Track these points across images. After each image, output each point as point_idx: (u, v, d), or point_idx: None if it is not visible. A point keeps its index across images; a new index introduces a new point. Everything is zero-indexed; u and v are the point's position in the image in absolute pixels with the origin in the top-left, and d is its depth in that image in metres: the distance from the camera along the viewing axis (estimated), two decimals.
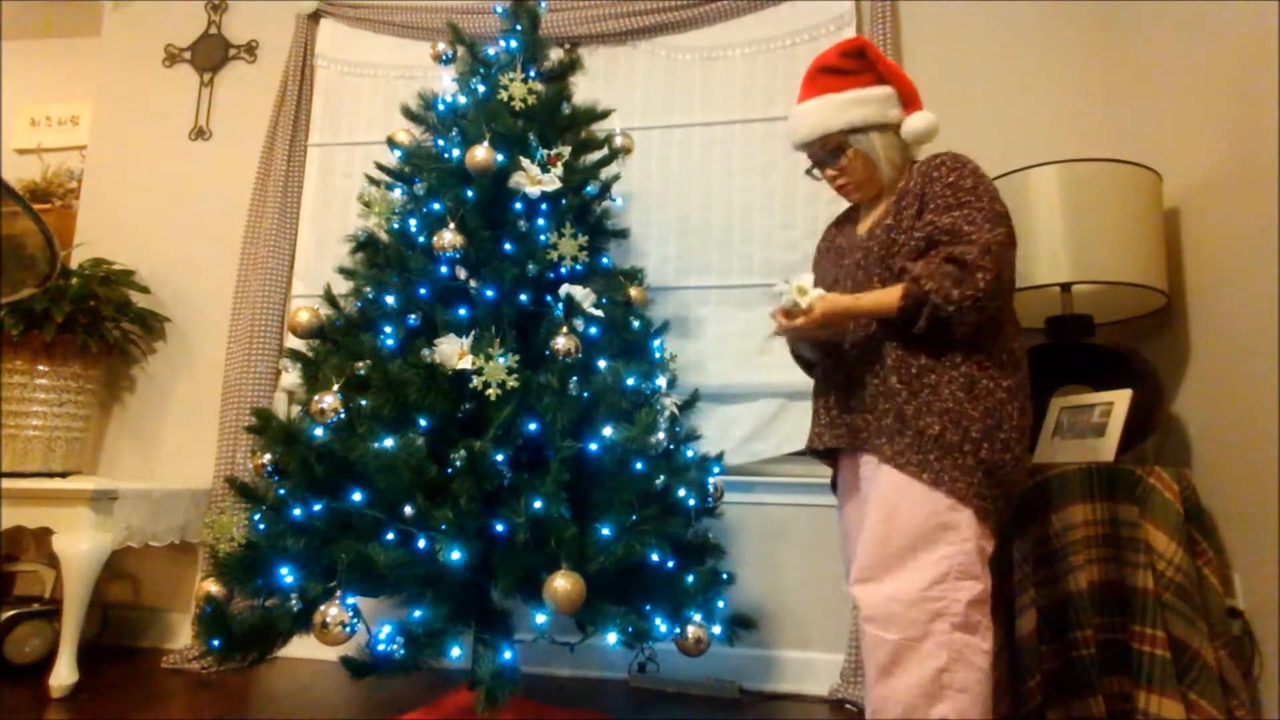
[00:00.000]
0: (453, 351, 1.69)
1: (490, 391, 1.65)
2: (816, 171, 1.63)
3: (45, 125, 3.53)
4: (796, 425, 2.49)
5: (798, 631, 2.41)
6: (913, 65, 2.60)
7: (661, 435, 1.82)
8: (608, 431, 1.69)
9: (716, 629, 1.78)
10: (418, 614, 1.57)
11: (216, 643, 1.59)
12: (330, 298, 1.92)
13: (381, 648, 1.49)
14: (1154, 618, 1.59)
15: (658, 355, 2.00)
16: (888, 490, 1.39)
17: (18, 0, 3.34)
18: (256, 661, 1.67)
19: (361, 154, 2.89)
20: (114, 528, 2.24)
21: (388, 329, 1.80)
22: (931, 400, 1.39)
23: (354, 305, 1.92)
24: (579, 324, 1.84)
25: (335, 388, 1.70)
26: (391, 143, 2.14)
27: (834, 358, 1.59)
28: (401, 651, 1.49)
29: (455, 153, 1.98)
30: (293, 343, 2.49)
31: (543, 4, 2.26)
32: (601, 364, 1.81)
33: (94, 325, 2.60)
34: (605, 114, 2.21)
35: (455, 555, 1.51)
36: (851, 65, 1.55)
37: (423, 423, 1.66)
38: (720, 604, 1.82)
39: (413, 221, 1.93)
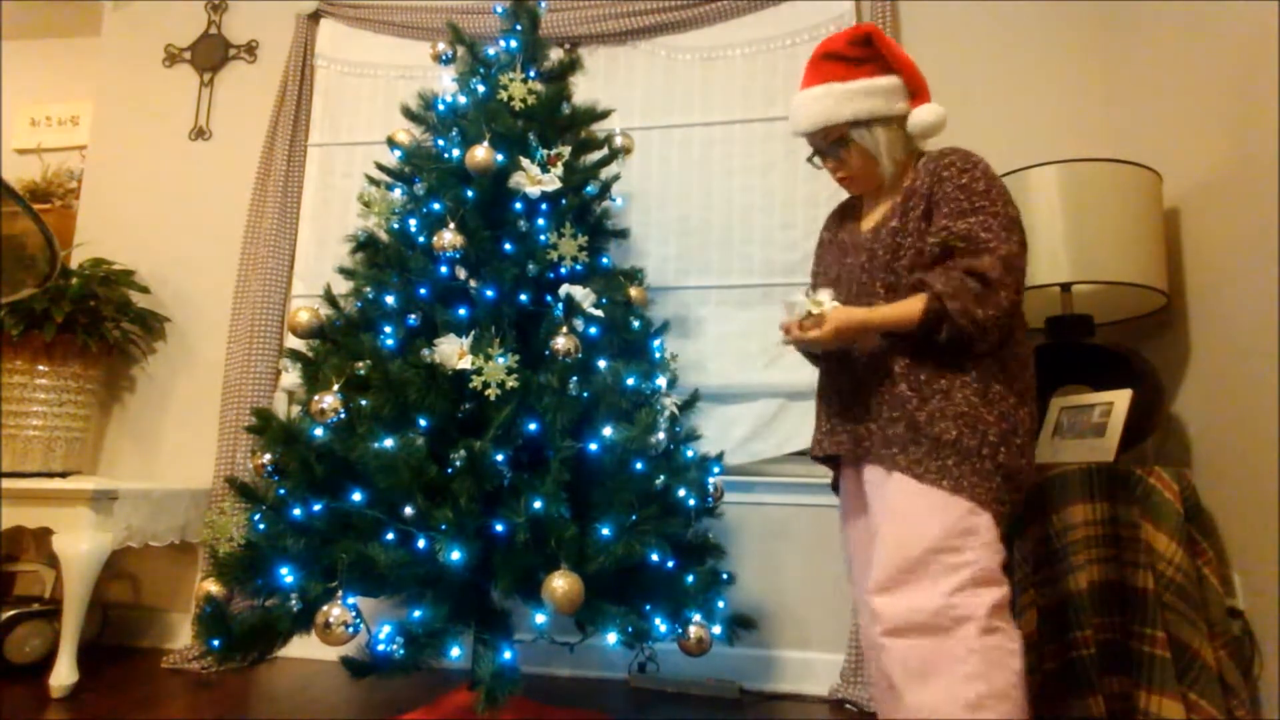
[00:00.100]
0: (453, 351, 1.69)
1: (490, 391, 1.65)
2: (817, 160, 1.58)
3: (45, 125, 3.53)
4: (796, 425, 2.49)
5: (798, 631, 2.41)
6: None
7: (661, 435, 1.82)
8: (608, 431, 1.69)
9: (716, 629, 1.78)
10: (418, 614, 1.57)
11: (216, 643, 1.59)
12: (330, 298, 1.92)
13: (381, 648, 1.49)
14: (1154, 618, 1.59)
15: (658, 355, 2.00)
16: (901, 498, 1.35)
17: (18, 0, 3.35)
18: (256, 661, 1.67)
19: (361, 154, 2.89)
20: (114, 528, 2.24)
21: (388, 329, 1.80)
22: (944, 405, 1.35)
23: (354, 305, 1.92)
24: (579, 324, 1.84)
25: (335, 388, 1.70)
26: (391, 143, 2.14)
27: (838, 363, 1.55)
28: (401, 651, 1.49)
29: (455, 153, 1.98)
30: (293, 343, 2.50)
31: (543, 4, 2.26)
32: (601, 364, 1.81)
33: (94, 325, 2.60)
34: (605, 114, 2.21)
35: (455, 555, 1.51)
36: (858, 53, 1.48)
37: (423, 423, 1.66)
38: (720, 604, 1.82)
39: (413, 221, 1.93)
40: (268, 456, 1.73)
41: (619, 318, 1.92)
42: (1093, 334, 2.04)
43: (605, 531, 1.62)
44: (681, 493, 1.81)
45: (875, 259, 1.47)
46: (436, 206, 1.90)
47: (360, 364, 1.74)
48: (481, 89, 2.05)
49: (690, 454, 1.91)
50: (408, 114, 2.20)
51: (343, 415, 1.67)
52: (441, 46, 2.23)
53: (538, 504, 1.58)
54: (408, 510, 1.58)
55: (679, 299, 2.64)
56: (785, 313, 1.40)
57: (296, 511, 1.65)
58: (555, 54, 2.30)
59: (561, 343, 1.75)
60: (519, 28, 2.14)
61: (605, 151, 2.18)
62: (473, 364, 1.66)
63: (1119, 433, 1.78)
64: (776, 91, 2.69)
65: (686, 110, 2.75)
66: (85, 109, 3.36)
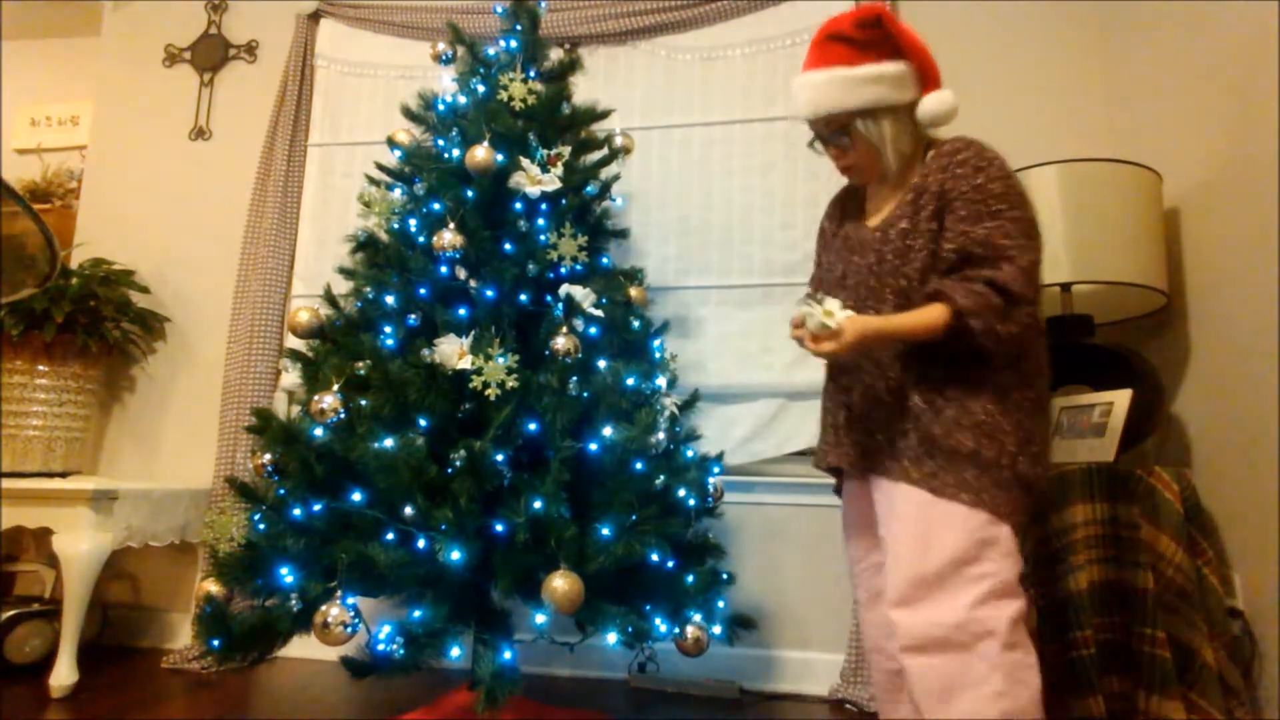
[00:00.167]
0: (453, 351, 1.69)
1: (490, 391, 1.65)
2: (819, 146, 1.50)
3: (45, 125, 3.53)
4: (796, 425, 2.49)
5: (798, 631, 2.41)
6: None
7: (661, 435, 1.82)
8: (608, 431, 1.69)
9: (716, 629, 1.78)
10: (418, 614, 1.57)
11: (216, 643, 1.59)
12: (330, 298, 1.92)
13: (381, 648, 1.49)
14: (1154, 618, 1.59)
15: (658, 355, 2.00)
16: (916, 510, 1.31)
17: (18, 0, 3.34)
18: (256, 661, 1.67)
19: (361, 154, 2.89)
20: (114, 528, 2.24)
21: (388, 329, 1.80)
22: (960, 415, 1.30)
23: (354, 305, 1.92)
24: (579, 324, 1.84)
25: (335, 388, 1.70)
26: (391, 143, 2.14)
27: (843, 370, 1.49)
28: (401, 651, 1.49)
29: (455, 153, 1.98)
30: (293, 343, 2.50)
31: (543, 4, 2.26)
32: (601, 364, 1.81)
33: (94, 325, 2.60)
34: (605, 114, 2.21)
35: (455, 555, 1.51)
36: (866, 36, 1.37)
37: (423, 423, 1.66)
38: (720, 604, 1.82)
39: (413, 221, 1.93)
40: (268, 456, 1.73)
41: (619, 318, 1.92)
42: (1093, 334, 2.05)
43: (605, 531, 1.62)
44: (681, 493, 1.81)
45: (884, 262, 1.40)
46: (436, 206, 1.90)
47: (360, 364, 1.74)
48: (481, 89, 2.05)
49: (690, 454, 1.91)
50: (408, 114, 2.20)
51: (343, 415, 1.67)
52: (441, 46, 2.23)
53: (538, 504, 1.58)
54: (408, 510, 1.58)
55: (679, 299, 2.64)
56: (797, 322, 1.33)
57: (296, 511, 1.65)
58: (555, 54, 2.30)
59: (561, 343, 1.75)
60: (519, 28, 2.14)
61: (605, 151, 2.18)
62: (473, 364, 1.66)
63: (1119, 433, 1.78)
64: (776, 91, 2.69)
65: (686, 110, 2.75)
66: (85, 109, 3.36)
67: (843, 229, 1.55)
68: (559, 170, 1.92)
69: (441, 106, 2.11)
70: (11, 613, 2.32)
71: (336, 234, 2.80)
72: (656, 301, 2.57)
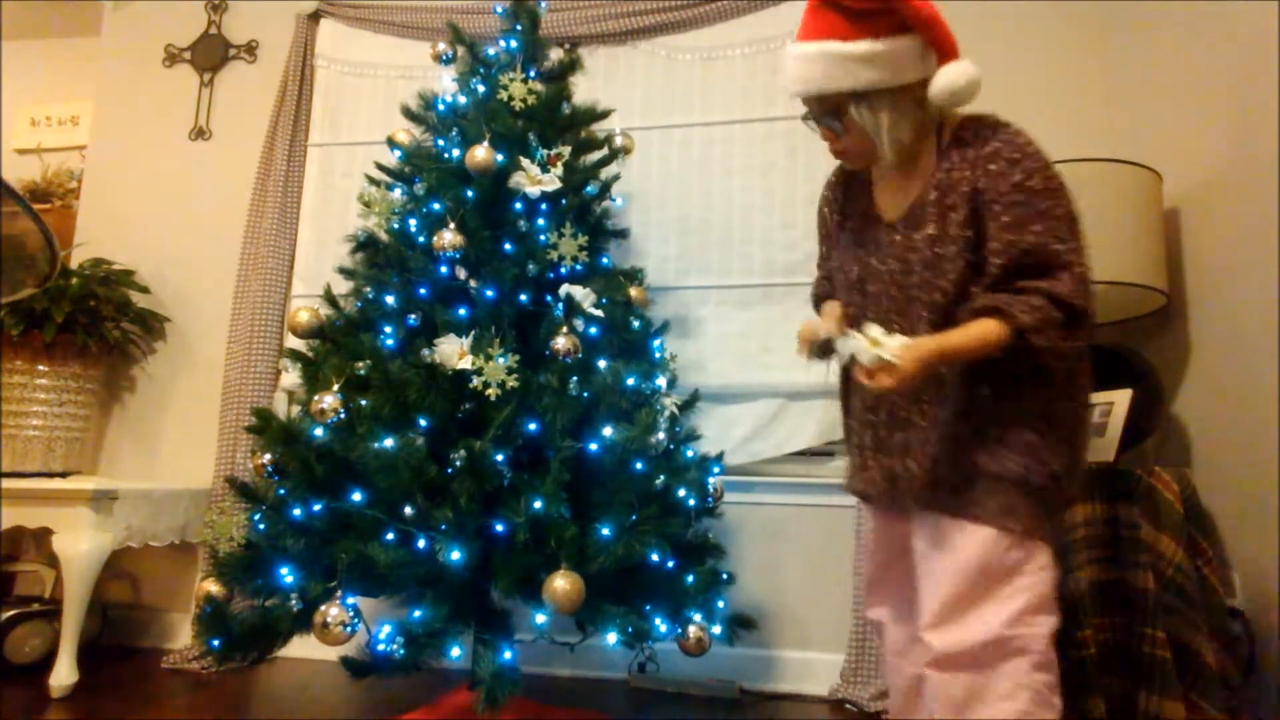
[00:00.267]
0: (453, 351, 1.69)
1: (490, 391, 1.65)
2: (812, 123, 1.32)
3: (45, 125, 3.53)
4: (796, 425, 2.49)
5: (798, 631, 2.41)
6: None
7: (661, 435, 1.82)
8: (608, 431, 1.69)
9: (716, 629, 1.78)
10: (418, 614, 1.57)
11: (216, 643, 1.59)
12: (330, 298, 1.92)
13: (381, 648, 1.49)
14: (1154, 618, 1.59)
15: (658, 355, 2.00)
16: (958, 538, 1.22)
17: (18, 0, 3.34)
18: (256, 661, 1.67)
19: (361, 154, 2.88)
20: (114, 528, 2.24)
21: (388, 329, 1.80)
22: (1006, 435, 1.20)
23: (354, 305, 1.92)
24: (579, 324, 1.84)
25: (335, 388, 1.70)
26: (391, 143, 2.14)
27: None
28: (401, 651, 1.49)
29: (455, 153, 1.98)
30: (293, 343, 2.49)
31: (543, 4, 2.26)
32: (601, 364, 1.81)
33: (94, 325, 2.60)
34: (605, 114, 2.21)
35: (455, 555, 1.51)
36: (864, 5, 1.18)
37: (423, 423, 1.66)
38: (720, 604, 1.82)
39: (413, 221, 1.93)
40: (268, 456, 1.73)
41: (619, 318, 1.92)
42: (1093, 334, 2.04)
43: (605, 531, 1.62)
44: (681, 493, 1.81)
45: (911, 272, 1.27)
46: (436, 206, 1.90)
47: (360, 364, 1.74)
48: (481, 89, 2.05)
49: (690, 454, 1.92)
50: (408, 114, 2.20)
51: (343, 415, 1.67)
52: (441, 46, 2.23)
53: (538, 504, 1.58)
54: (408, 510, 1.58)
55: (679, 299, 2.64)
56: (840, 356, 1.20)
57: (296, 511, 1.65)
58: (555, 54, 2.30)
59: (561, 343, 1.75)
60: (519, 28, 2.14)
61: (605, 151, 2.18)
62: (473, 364, 1.66)
63: (1119, 433, 1.78)
64: (776, 91, 2.68)
65: (686, 110, 2.75)
66: (85, 109, 3.36)
67: (849, 220, 1.42)
68: (559, 170, 1.92)
69: (441, 106, 2.11)
70: (11, 613, 2.32)
71: (336, 234, 2.79)
72: (656, 301, 2.57)
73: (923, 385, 1.23)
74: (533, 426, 1.70)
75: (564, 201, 1.95)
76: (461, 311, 1.78)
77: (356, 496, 1.63)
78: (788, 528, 2.47)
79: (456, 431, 1.66)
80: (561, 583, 1.50)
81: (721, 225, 2.66)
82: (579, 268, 1.90)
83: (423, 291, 1.84)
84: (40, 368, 2.57)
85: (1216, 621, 1.63)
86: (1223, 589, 1.68)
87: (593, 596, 1.55)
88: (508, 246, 1.87)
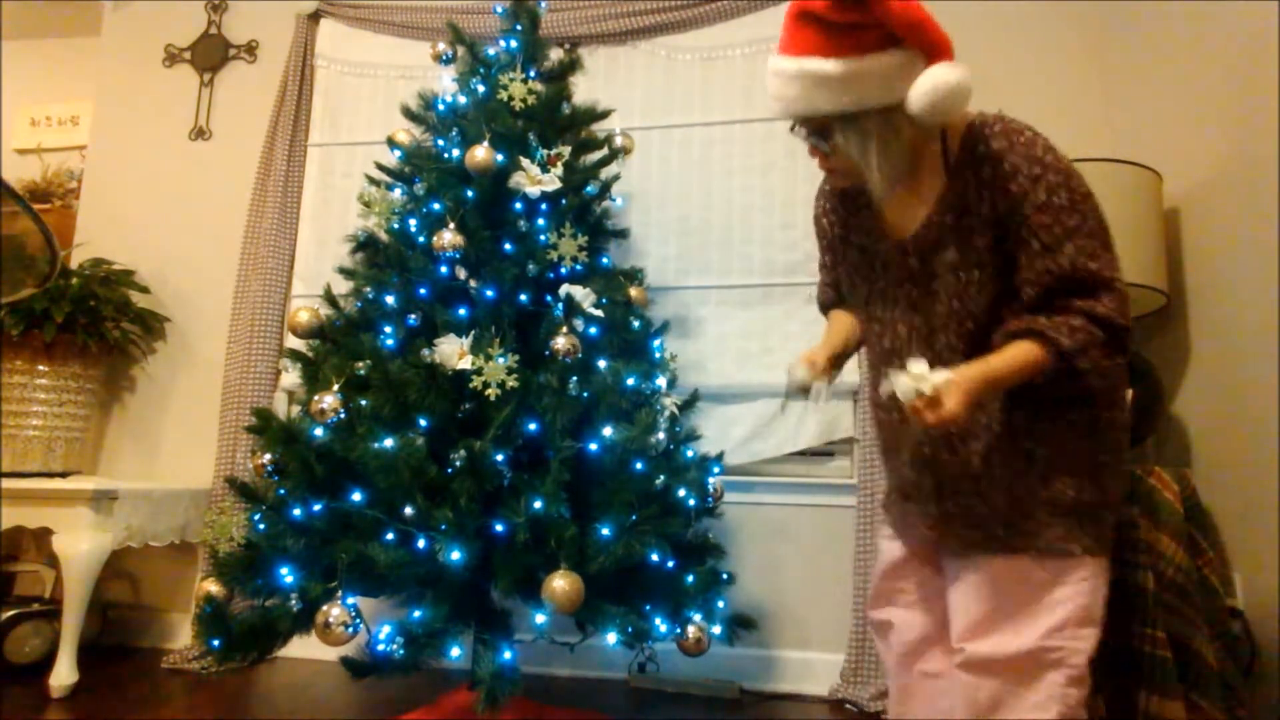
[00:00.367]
0: (453, 351, 1.69)
1: (490, 391, 1.65)
2: (800, 131, 1.20)
3: (45, 125, 3.53)
4: (796, 425, 2.49)
5: (798, 631, 2.41)
6: None
7: (661, 435, 1.82)
8: (608, 431, 1.69)
9: (716, 629, 1.78)
10: (418, 614, 1.57)
11: (216, 643, 1.59)
12: (330, 298, 1.92)
13: (381, 648, 1.49)
14: (1155, 618, 1.58)
15: (658, 355, 2.00)
16: (1000, 562, 1.17)
17: (18, 0, 3.34)
18: (256, 661, 1.67)
19: (361, 154, 2.88)
20: (114, 528, 2.24)
21: (388, 329, 1.80)
22: (1054, 458, 1.16)
23: (354, 305, 1.92)
24: (579, 324, 1.84)
25: (335, 388, 1.70)
26: (391, 143, 2.14)
27: (890, 412, 1.27)
28: (401, 651, 1.49)
29: (455, 153, 1.98)
30: (293, 343, 2.49)
31: (543, 4, 2.26)
32: (601, 364, 1.81)
33: (94, 325, 2.60)
34: (605, 114, 2.21)
35: (455, 555, 1.51)
36: (845, 18, 1.06)
37: (423, 423, 1.66)
38: (720, 604, 1.82)
39: (413, 221, 1.93)
40: (268, 456, 1.73)
41: (619, 318, 1.92)
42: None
43: (605, 531, 1.62)
44: (681, 493, 1.81)
45: (933, 298, 1.21)
46: (436, 206, 1.90)
47: (360, 364, 1.74)
48: (481, 89, 2.05)
49: (690, 454, 1.91)
50: (408, 114, 2.20)
51: (343, 415, 1.67)
52: (441, 46, 2.23)
53: (538, 504, 1.58)
54: (408, 510, 1.58)
55: (679, 299, 2.64)
56: (892, 391, 1.11)
57: (296, 511, 1.65)
58: (555, 54, 2.30)
59: (561, 343, 1.75)
60: (519, 28, 2.14)
61: (605, 151, 2.18)
62: (473, 364, 1.66)
63: None
64: None
65: (686, 110, 2.75)
66: (85, 109, 3.36)
67: (851, 234, 1.33)
68: (559, 170, 1.92)
69: (441, 106, 2.11)
70: (11, 613, 2.32)
71: (336, 234, 2.79)
72: (656, 301, 2.57)
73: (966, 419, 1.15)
74: (533, 426, 1.70)
75: (564, 201, 1.95)
76: (461, 311, 1.78)
77: (356, 496, 1.63)
78: (788, 528, 2.47)
79: (456, 431, 1.66)
80: (561, 583, 1.50)
81: (721, 225, 2.66)
82: (579, 268, 1.90)
83: (423, 291, 1.84)
84: (40, 368, 2.57)
85: (1216, 621, 1.63)
86: (1223, 589, 1.68)
87: (592, 596, 1.55)
88: (508, 246, 1.87)
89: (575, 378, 1.75)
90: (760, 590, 2.44)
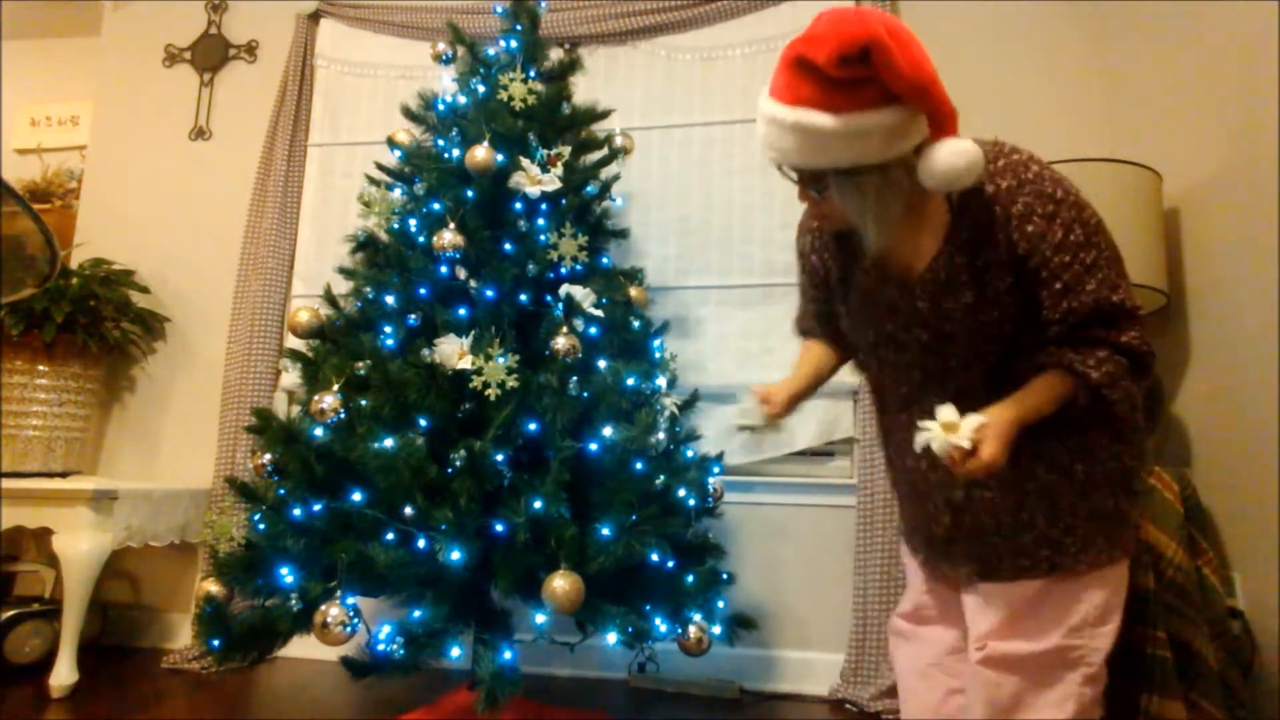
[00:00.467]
0: (453, 351, 1.69)
1: (490, 391, 1.65)
2: (791, 173, 1.17)
3: (45, 125, 3.53)
4: (796, 425, 2.48)
5: (798, 631, 2.41)
6: None
7: (661, 435, 1.82)
8: (608, 431, 1.69)
9: (716, 629, 1.78)
10: (418, 614, 1.57)
11: (216, 643, 1.59)
12: (330, 298, 1.92)
13: (381, 648, 1.49)
14: (1155, 618, 1.58)
15: (658, 355, 2.00)
16: (1041, 585, 1.18)
17: (18, 0, 3.34)
18: (256, 661, 1.67)
19: (361, 154, 2.88)
20: (114, 528, 2.24)
21: (388, 329, 1.80)
22: (1092, 469, 1.17)
23: (354, 305, 1.92)
24: (579, 324, 1.84)
25: (335, 388, 1.70)
26: (391, 143, 2.14)
27: (908, 441, 1.22)
28: (401, 651, 1.49)
29: (455, 153, 1.98)
30: (293, 343, 2.49)
31: (543, 4, 2.26)
32: (601, 364, 1.81)
33: (94, 325, 2.60)
34: (605, 114, 2.21)
35: (455, 555, 1.51)
36: (846, 74, 1.01)
37: (423, 423, 1.66)
38: (720, 604, 1.82)
39: (413, 221, 1.93)
40: (268, 456, 1.73)
41: (619, 318, 1.92)
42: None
43: (605, 531, 1.62)
44: (681, 493, 1.81)
45: (949, 341, 1.18)
46: (436, 206, 1.90)
47: (360, 364, 1.74)
48: (481, 89, 2.05)
49: (690, 454, 1.91)
50: (408, 114, 2.20)
51: (343, 415, 1.67)
52: (441, 46, 2.23)
53: (538, 504, 1.58)
54: (408, 510, 1.58)
55: (679, 299, 2.64)
56: (924, 442, 1.07)
57: (296, 511, 1.65)
58: (555, 54, 2.30)
59: (561, 343, 1.75)
60: (519, 28, 2.14)
61: (605, 151, 2.18)
62: (473, 364, 1.66)
63: None
64: None
65: (686, 110, 2.75)
66: (85, 109, 3.36)
67: (849, 274, 1.30)
68: (559, 170, 1.92)
69: (441, 106, 2.11)
70: (11, 613, 2.32)
71: (336, 234, 2.79)
72: (656, 301, 2.57)
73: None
74: (533, 426, 1.70)
75: (564, 201, 1.95)
76: (461, 311, 1.78)
77: (356, 496, 1.63)
78: (788, 528, 2.47)
79: (456, 431, 1.66)
80: (561, 582, 1.50)
81: (721, 225, 2.66)
82: (579, 268, 1.90)
83: (423, 291, 1.84)
84: (40, 368, 2.57)
85: (1217, 621, 1.63)
86: (1223, 589, 1.68)
87: (592, 596, 1.55)
88: (508, 246, 1.87)
89: (575, 378, 1.75)
90: (760, 590, 2.44)
